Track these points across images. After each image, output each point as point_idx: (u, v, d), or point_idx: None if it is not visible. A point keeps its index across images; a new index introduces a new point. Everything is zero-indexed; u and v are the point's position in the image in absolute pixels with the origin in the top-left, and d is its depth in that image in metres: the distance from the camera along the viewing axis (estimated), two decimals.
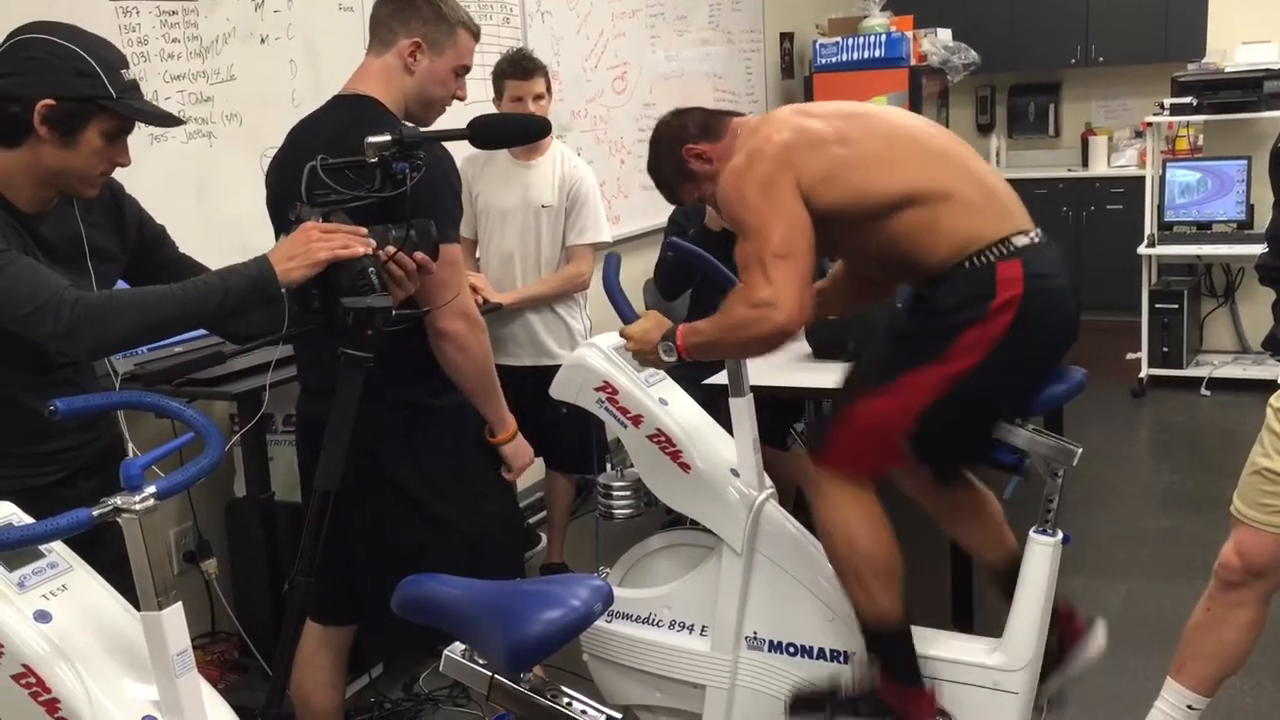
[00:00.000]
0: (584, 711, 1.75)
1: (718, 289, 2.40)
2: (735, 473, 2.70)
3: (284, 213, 2.17)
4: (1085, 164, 7.73)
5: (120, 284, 2.16)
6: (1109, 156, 7.65)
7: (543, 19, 4.85)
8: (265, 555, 3.08)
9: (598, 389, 2.72)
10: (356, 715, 3.15)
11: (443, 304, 2.23)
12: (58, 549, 1.61)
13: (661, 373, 2.73)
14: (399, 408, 2.30)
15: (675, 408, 2.75)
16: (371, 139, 2.08)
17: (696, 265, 3.03)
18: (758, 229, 2.27)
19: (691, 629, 2.75)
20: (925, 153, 2.38)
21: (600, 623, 2.52)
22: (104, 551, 1.66)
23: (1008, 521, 2.69)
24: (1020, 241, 2.28)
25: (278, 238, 2.26)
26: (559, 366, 2.86)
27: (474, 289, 3.20)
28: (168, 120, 2.08)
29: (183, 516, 3.29)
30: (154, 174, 3.04)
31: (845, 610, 2.57)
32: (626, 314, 2.67)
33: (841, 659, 2.60)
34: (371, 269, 2.01)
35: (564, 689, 1.79)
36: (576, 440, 3.72)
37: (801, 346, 3.61)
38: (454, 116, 2.42)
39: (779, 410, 3.92)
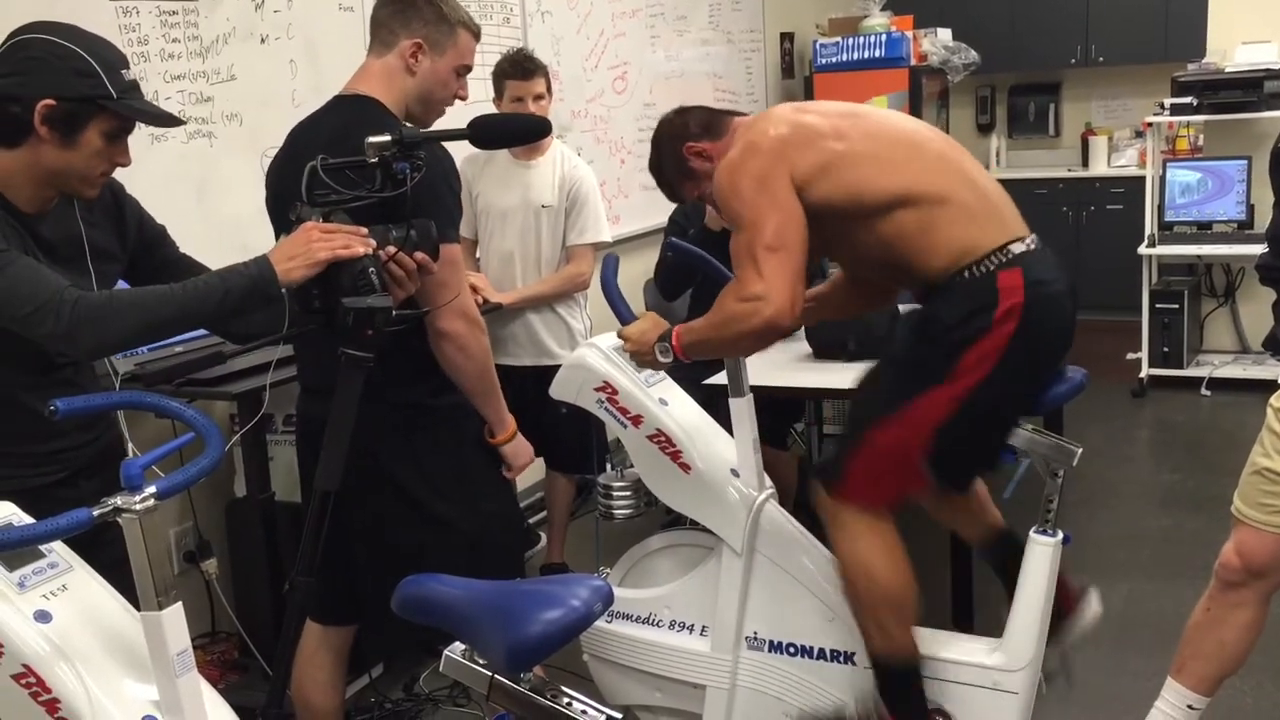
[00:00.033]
0: (584, 711, 1.75)
1: (718, 289, 2.40)
2: (735, 473, 2.70)
3: (284, 213, 2.17)
4: (1085, 164, 7.73)
5: (120, 284, 2.16)
6: (1109, 156, 7.65)
7: (543, 19, 4.85)
8: (265, 555, 3.08)
9: (598, 389, 2.72)
10: (356, 715, 3.15)
11: (443, 304, 2.23)
12: (58, 549, 1.62)
13: (661, 373, 2.73)
14: (399, 408, 2.30)
15: (675, 408, 2.75)
16: (372, 139, 2.08)
17: (696, 265, 3.03)
18: (751, 222, 2.26)
19: (692, 629, 2.75)
20: (922, 155, 2.37)
21: (600, 623, 2.52)
22: (104, 551, 1.66)
23: (1008, 521, 2.69)
24: (1017, 248, 2.28)
25: (278, 238, 2.26)
26: (559, 366, 2.86)
27: (474, 289, 3.20)
28: (168, 120, 2.08)
29: (183, 516, 3.29)
30: (154, 174, 3.04)
31: (845, 610, 2.57)
32: (624, 315, 2.67)
33: (841, 659, 2.60)
34: (372, 269, 2.01)
35: (564, 689, 1.78)
36: (576, 440, 3.72)
37: (802, 346, 3.61)
38: (454, 116, 2.42)
39: (779, 410, 3.92)
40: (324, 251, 1.97)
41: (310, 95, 3.42)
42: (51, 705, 1.49)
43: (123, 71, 1.97)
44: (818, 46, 6.75)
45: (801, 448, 4.79)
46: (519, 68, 3.67)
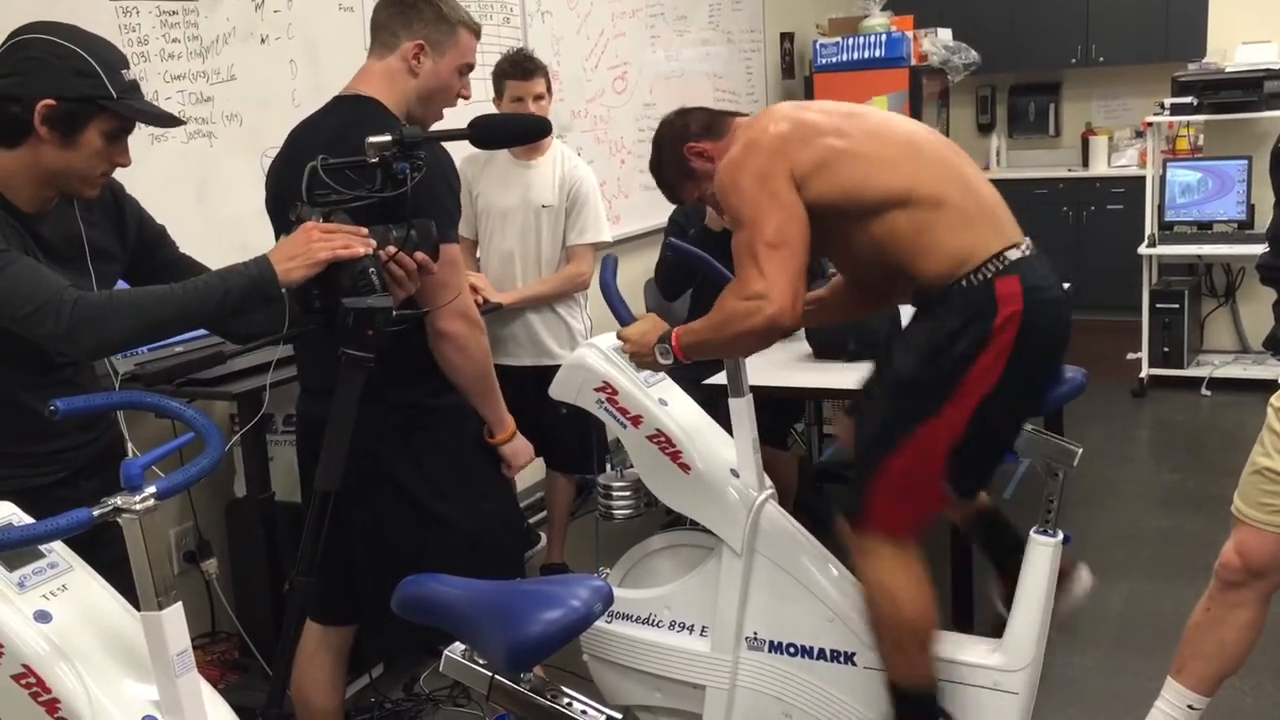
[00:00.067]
0: (584, 712, 1.75)
1: (718, 290, 2.39)
2: (735, 473, 2.70)
3: (284, 213, 2.17)
4: (1085, 164, 7.73)
5: (120, 284, 2.16)
6: (1109, 156, 7.65)
7: (543, 19, 4.85)
8: (265, 555, 3.08)
9: (597, 389, 2.72)
10: (356, 715, 3.15)
11: (443, 304, 2.23)
12: (58, 549, 1.61)
13: (661, 373, 2.73)
14: (399, 408, 2.30)
15: (675, 408, 2.74)
16: (372, 139, 2.08)
17: (696, 266, 3.03)
18: (752, 219, 2.26)
19: (692, 629, 2.75)
20: (920, 157, 2.36)
21: (600, 623, 2.52)
22: (104, 551, 1.66)
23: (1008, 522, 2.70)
24: (1013, 255, 2.28)
25: (278, 238, 2.26)
26: (559, 366, 2.85)
27: (474, 289, 3.20)
28: (168, 120, 2.08)
29: (183, 516, 3.29)
30: (154, 174, 3.04)
31: (845, 610, 2.57)
32: (624, 316, 2.67)
33: (842, 659, 2.60)
34: (372, 269, 2.01)
35: (564, 689, 1.78)
36: (576, 440, 3.72)
37: (802, 346, 3.61)
38: (454, 116, 2.42)
39: (779, 410, 3.92)
40: (324, 251, 1.97)
41: (310, 95, 3.42)
42: (51, 705, 1.49)
43: (123, 71, 1.97)
44: (818, 46, 6.75)
45: (801, 448, 4.79)
46: (519, 68, 3.67)
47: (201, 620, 3.29)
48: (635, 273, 4.88)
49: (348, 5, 3.84)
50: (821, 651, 2.63)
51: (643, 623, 2.80)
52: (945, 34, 7.04)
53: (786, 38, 7.18)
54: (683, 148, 2.51)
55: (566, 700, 1.76)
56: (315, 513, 2.13)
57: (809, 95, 6.79)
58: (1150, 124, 6.25)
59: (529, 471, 2.59)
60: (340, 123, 2.28)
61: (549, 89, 3.74)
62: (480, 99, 3.62)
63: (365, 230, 2.04)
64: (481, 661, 1.78)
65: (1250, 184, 5.88)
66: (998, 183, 2.49)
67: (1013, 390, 2.26)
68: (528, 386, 3.55)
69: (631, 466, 2.91)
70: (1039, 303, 2.25)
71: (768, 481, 2.72)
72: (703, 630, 2.73)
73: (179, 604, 1.50)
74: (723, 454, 2.72)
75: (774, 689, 2.66)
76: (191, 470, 1.54)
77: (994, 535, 2.61)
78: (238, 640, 3.29)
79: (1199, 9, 7.04)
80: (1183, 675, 2.57)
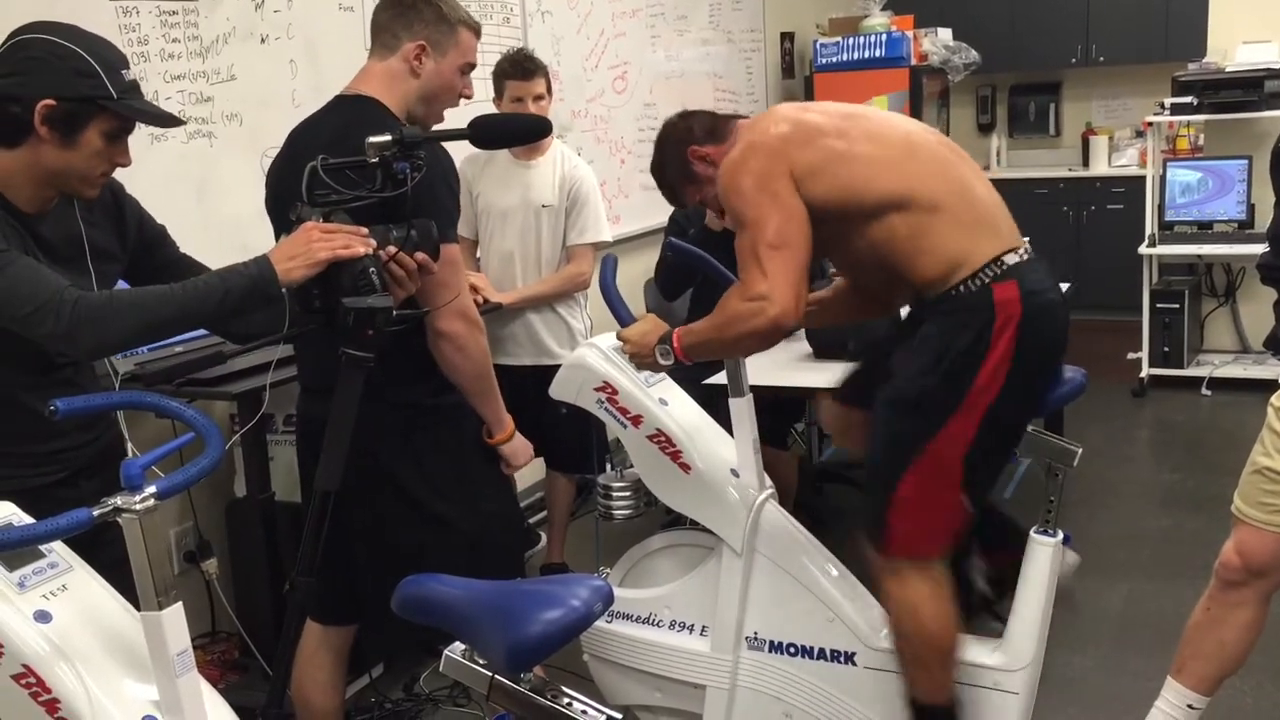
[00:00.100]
0: (584, 712, 1.75)
1: (718, 290, 2.39)
2: (735, 473, 2.70)
3: (284, 213, 2.17)
4: (1086, 164, 7.73)
5: (120, 284, 2.16)
6: (1109, 156, 7.64)
7: (543, 19, 4.85)
8: (265, 555, 3.08)
9: (597, 389, 2.72)
10: (356, 715, 3.14)
11: (442, 304, 2.23)
12: (58, 549, 1.61)
13: (661, 373, 2.73)
14: (399, 408, 2.30)
15: (675, 408, 2.74)
16: (372, 139, 2.08)
17: (696, 266, 3.03)
18: (754, 220, 2.26)
19: (692, 629, 2.75)
20: (919, 159, 2.36)
21: (600, 623, 2.52)
22: (104, 551, 1.66)
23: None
24: (1011, 259, 2.27)
25: (278, 238, 2.26)
26: (559, 366, 2.85)
27: (474, 289, 3.21)
28: (168, 120, 2.08)
29: (183, 516, 3.29)
30: (154, 174, 3.04)
31: (845, 610, 2.57)
32: (623, 316, 2.67)
33: (842, 659, 2.60)
34: (372, 269, 2.01)
35: (564, 689, 1.79)
36: (576, 440, 3.72)
37: (802, 346, 3.61)
38: (454, 116, 2.43)
39: (779, 410, 3.92)
40: (324, 251, 1.97)
41: (310, 95, 3.42)
42: (51, 705, 1.49)
43: (123, 71, 1.97)
44: (818, 46, 6.75)
45: (802, 448, 4.79)
46: (519, 68, 3.67)
47: (201, 620, 3.29)
48: (635, 273, 4.88)
49: (348, 5, 3.84)
50: (822, 651, 2.63)
51: (643, 622, 2.80)
52: (945, 34, 7.04)
53: (787, 37, 7.18)
54: (686, 151, 2.51)
55: (566, 700, 1.76)
56: (315, 513, 2.13)
57: (809, 95, 6.80)
58: (1150, 124, 6.25)
59: (529, 471, 2.59)
60: (341, 123, 2.28)
61: (549, 89, 3.74)
62: (480, 99, 3.62)
63: (365, 230, 2.04)
64: (481, 661, 1.78)
65: (1250, 184, 5.87)
66: (998, 183, 2.49)
67: (1015, 396, 2.27)
68: (528, 386, 3.55)
69: (631, 466, 2.91)
70: (1037, 307, 2.25)
71: (768, 481, 2.72)
72: (703, 630, 2.73)
73: (179, 604, 1.50)
74: (723, 454, 2.72)
75: (774, 689, 2.66)
76: (191, 470, 1.54)
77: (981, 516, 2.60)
78: (238, 640, 3.29)
79: (1199, 9, 7.04)
80: (1183, 675, 2.57)
